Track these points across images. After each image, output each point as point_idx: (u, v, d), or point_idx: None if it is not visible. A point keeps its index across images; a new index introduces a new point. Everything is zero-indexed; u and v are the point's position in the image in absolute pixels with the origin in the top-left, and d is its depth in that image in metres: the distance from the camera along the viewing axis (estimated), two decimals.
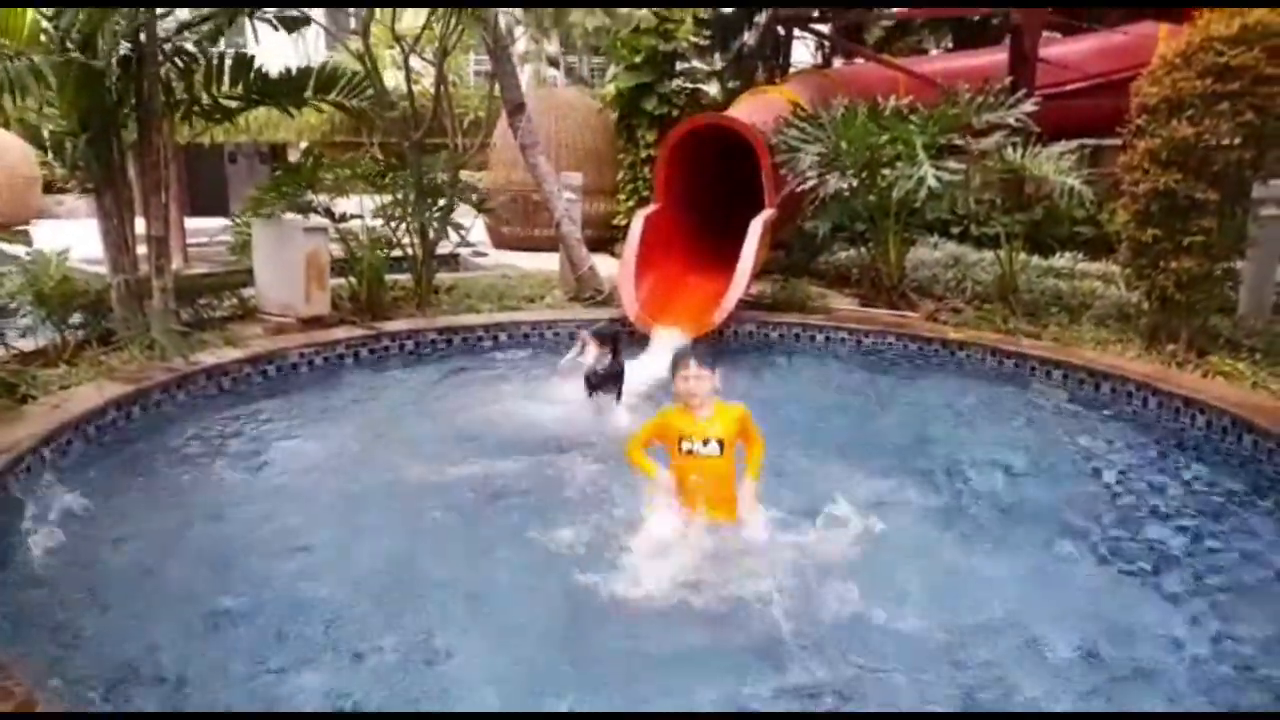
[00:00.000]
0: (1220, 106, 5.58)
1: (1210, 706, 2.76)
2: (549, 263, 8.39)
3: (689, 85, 10.43)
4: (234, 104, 6.53)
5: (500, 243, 10.98)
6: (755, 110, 7.81)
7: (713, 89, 11.01)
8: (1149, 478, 4.59)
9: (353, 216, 7.23)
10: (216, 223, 9.02)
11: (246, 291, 6.89)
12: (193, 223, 9.42)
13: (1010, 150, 6.88)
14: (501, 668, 2.86)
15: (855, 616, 3.10)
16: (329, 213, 6.97)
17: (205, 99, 6.40)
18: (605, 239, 9.92)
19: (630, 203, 10.06)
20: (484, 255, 10.27)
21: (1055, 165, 6.72)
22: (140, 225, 5.98)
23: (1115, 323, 6.66)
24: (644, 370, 6.19)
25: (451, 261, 8.53)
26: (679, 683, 2.77)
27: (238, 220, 7.67)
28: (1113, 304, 7.01)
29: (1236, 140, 5.62)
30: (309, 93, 6.69)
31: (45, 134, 6.08)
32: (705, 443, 3.51)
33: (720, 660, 2.90)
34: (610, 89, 10.72)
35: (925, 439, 5.14)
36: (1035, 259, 8.31)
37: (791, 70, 10.89)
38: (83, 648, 2.94)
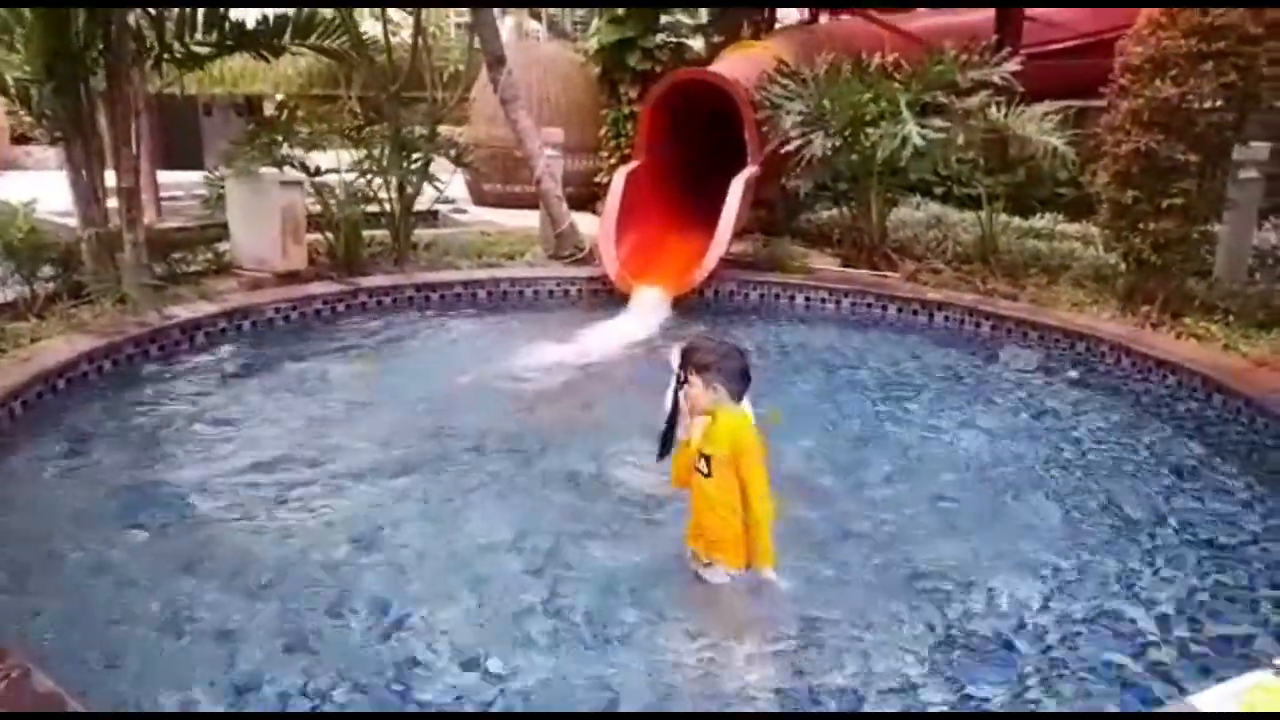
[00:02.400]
0: (1204, 66, 5.55)
1: (1174, 658, 2.81)
2: (529, 220, 8.31)
3: (673, 40, 10.25)
4: (206, 50, 6.37)
5: (481, 199, 10.84)
6: (739, 66, 7.70)
7: (697, 44, 10.83)
8: (1117, 437, 4.64)
9: (329, 171, 7.12)
10: (191, 176, 8.85)
11: (221, 246, 6.79)
12: (167, 176, 9.23)
13: (994, 110, 6.84)
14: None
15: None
16: (304, 167, 6.86)
17: (177, 46, 6.24)
18: (587, 196, 9.81)
19: (613, 160, 9.94)
20: (464, 212, 10.14)
21: (1038, 125, 6.69)
22: (111, 177, 5.87)
23: (1092, 284, 6.69)
24: (623, 332, 6.20)
25: (430, 218, 8.43)
26: None
27: (212, 174, 7.54)
28: (1090, 265, 7.04)
29: (1219, 101, 5.62)
30: (285, 38, 6.52)
31: (10, 81, 5.92)
32: (700, 458, 2.85)
33: None
34: (593, 43, 10.52)
35: (897, 399, 5.17)
36: (1016, 220, 8.32)
37: (777, 26, 10.74)
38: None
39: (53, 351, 4.71)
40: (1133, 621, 3.01)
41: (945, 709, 2.56)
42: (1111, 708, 2.60)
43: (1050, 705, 2.58)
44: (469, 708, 2.48)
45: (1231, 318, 5.81)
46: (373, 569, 3.17)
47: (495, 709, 2.47)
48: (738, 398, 2.85)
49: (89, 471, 3.88)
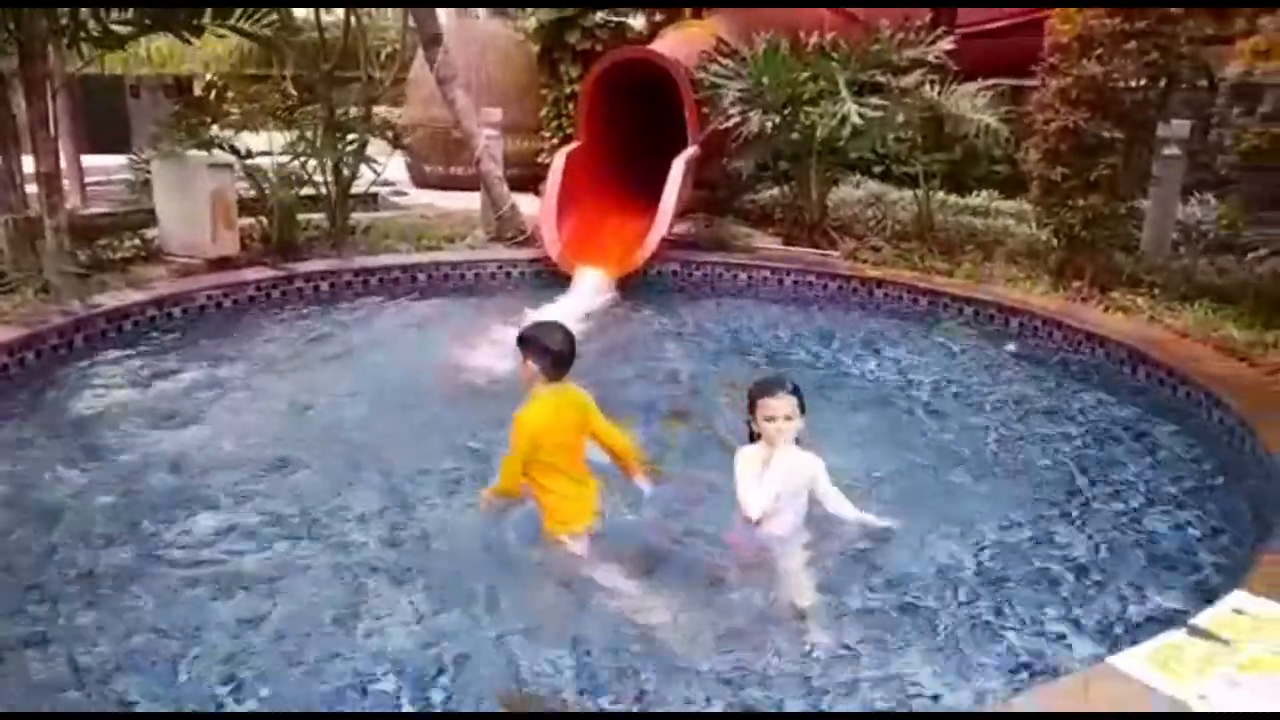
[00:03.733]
0: (1128, 45, 5.69)
1: (1095, 622, 2.91)
2: (471, 202, 8.20)
3: (613, 19, 10.16)
4: (125, 30, 6.12)
5: (421, 182, 10.65)
6: (679, 45, 7.67)
7: (638, 22, 10.74)
8: (1046, 405, 4.79)
9: (261, 154, 6.93)
10: (118, 160, 8.53)
11: (149, 232, 6.57)
12: (92, 160, 8.88)
13: (929, 88, 6.92)
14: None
15: None
16: (234, 149, 6.66)
17: (93, 24, 5.98)
18: (529, 178, 9.69)
19: (554, 140, 9.83)
20: (404, 195, 9.96)
21: (971, 103, 6.80)
22: (30, 162, 5.62)
23: (1026, 260, 6.84)
24: (565, 314, 6.15)
25: (370, 201, 8.25)
26: None
27: (137, 157, 7.28)
28: (1024, 241, 7.20)
29: (1142, 80, 5.76)
30: (206, 19, 6.29)
31: None
32: None
33: None
34: (532, 21, 10.37)
35: (837, 374, 5.25)
36: (953, 198, 8.46)
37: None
38: None
39: None
40: (1051, 582, 3.12)
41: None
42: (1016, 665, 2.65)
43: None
44: None
45: (1157, 291, 6.00)
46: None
47: None
48: (551, 377, 3.08)
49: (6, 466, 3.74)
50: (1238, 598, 2.50)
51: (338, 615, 2.82)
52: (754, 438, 3.07)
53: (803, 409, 3.00)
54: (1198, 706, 2.06)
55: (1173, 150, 6.48)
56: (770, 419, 2.96)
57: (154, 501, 3.49)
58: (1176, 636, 2.32)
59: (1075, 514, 3.63)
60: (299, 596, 2.92)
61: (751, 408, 3.02)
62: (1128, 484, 3.90)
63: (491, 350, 5.14)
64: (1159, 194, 6.57)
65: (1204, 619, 2.39)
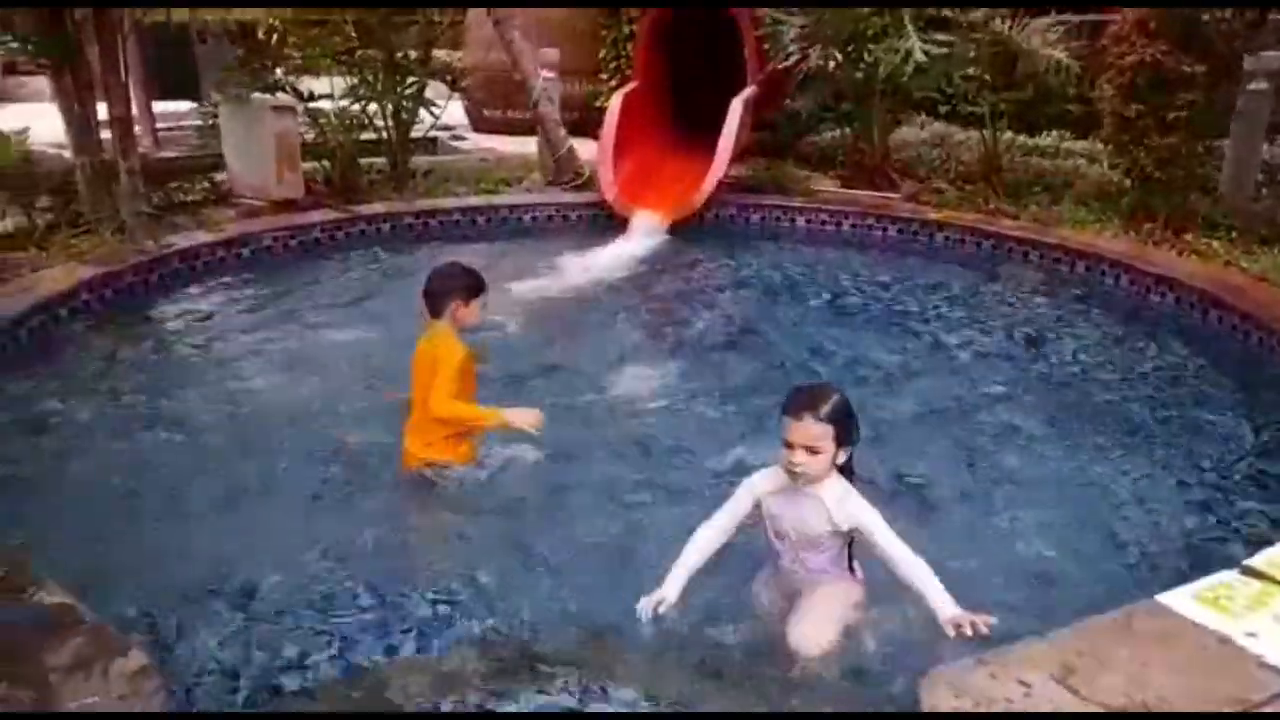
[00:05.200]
0: None
1: (1152, 560, 2.87)
2: (529, 146, 8.22)
3: None
4: None
5: (480, 126, 10.69)
6: None
7: None
8: (1113, 354, 4.67)
9: (323, 96, 7.04)
10: (188, 107, 8.76)
11: (218, 176, 6.77)
12: (163, 107, 9.13)
13: (998, 22, 6.65)
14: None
15: None
16: (296, 91, 6.77)
17: None
18: (588, 121, 9.65)
19: (613, 82, 9.76)
20: (463, 139, 10.02)
21: (1043, 37, 6.52)
22: (104, 108, 5.82)
23: (1096, 202, 6.60)
24: (621, 257, 6.19)
25: (429, 145, 8.33)
26: None
27: (205, 101, 7.46)
28: (1094, 183, 6.94)
29: (1229, 10, 5.45)
30: None
31: None
32: None
33: None
34: None
35: (896, 321, 5.18)
36: (1022, 138, 8.17)
37: None
38: None
39: (53, 280, 4.75)
40: (1117, 526, 3.08)
41: None
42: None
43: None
44: None
45: (1234, 234, 5.75)
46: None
47: None
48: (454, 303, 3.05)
49: (94, 398, 3.95)
50: None
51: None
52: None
53: (842, 438, 2.26)
54: (1244, 643, 2.03)
55: (1260, 85, 6.12)
56: (788, 444, 2.24)
57: (227, 431, 3.67)
58: (1228, 576, 2.28)
59: (1137, 458, 3.56)
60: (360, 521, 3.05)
61: (780, 420, 2.29)
62: (1200, 432, 3.80)
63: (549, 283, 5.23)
64: (1241, 131, 6.24)
65: (1258, 560, 2.34)
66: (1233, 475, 3.45)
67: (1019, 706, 1.86)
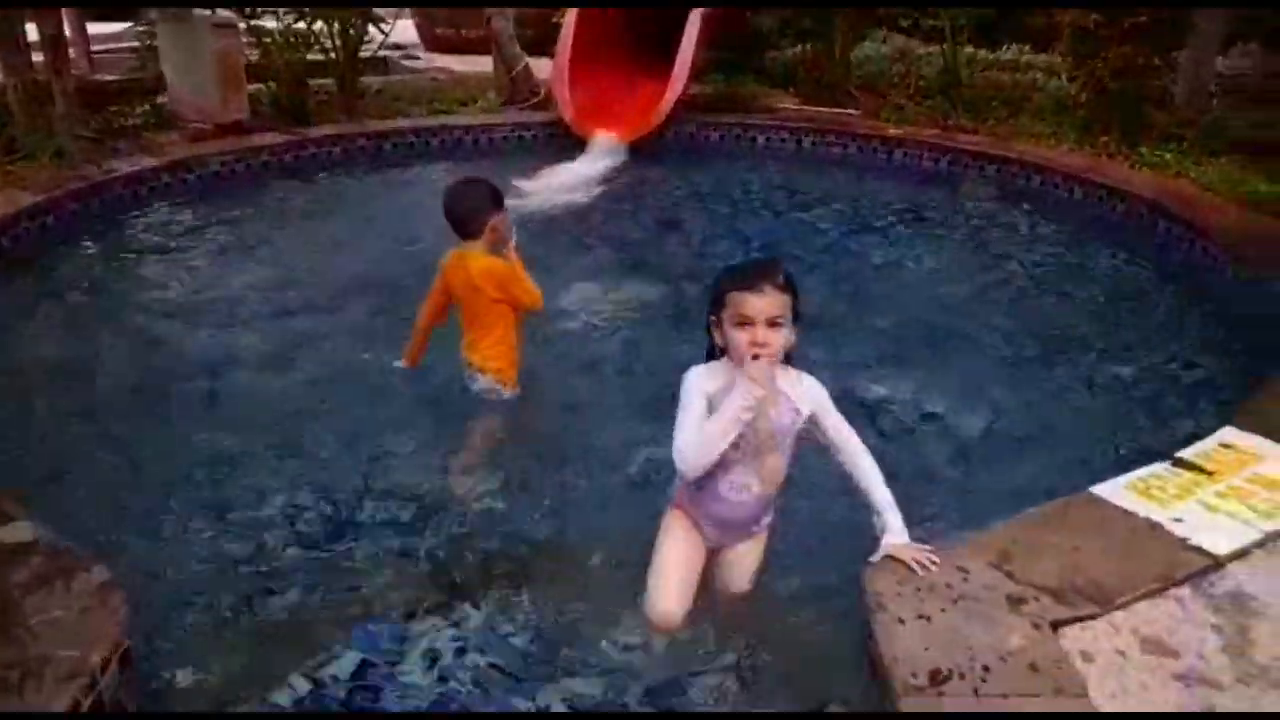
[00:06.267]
0: None
1: (1094, 464, 2.98)
2: (484, 66, 8.00)
3: None
4: None
5: (432, 45, 10.36)
6: None
7: None
8: (1063, 262, 4.76)
9: (266, 13, 6.76)
10: (123, 26, 8.36)
11: (159, 99, 6.52)
12: (97, 27, 8.72)
13: None
14: None
15: None
16: (237, 5, 6.48)
17: None
18: (545, 39, 9.39)
19: None
20: (415, 58, 9.71)
21: None
22: (34, 28, 5.55)
23: (1053, 116, 6.62)
24: (579, 176, 6.10)
25: (379, 64, 8.07)
26: None
27: (141, 21, 7.13)
28: (1052, 96, 6.95)
29: None
30: None
31: None
32: None
33: None
34: None
35: (853, 237, 5.21)
36: (983, 53, 8.12)
37: None
38: None
39: None
40: (1059, 423, 3.20)
41: None
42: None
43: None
44: None
45: (1186, 146, 5.81)
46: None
47: None
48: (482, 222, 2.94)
49: (36, 327, 3.88)
50: (1227, 433, 2.55)
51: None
52: (714, 353, 2.10)
53: (797, 314, 2.02)
54: (1172, 528, 2.15)
55: None
56: (744, 323, 1.95)
57: (171, 356, 3.63)
58: (1159, 468, 2.39)
59: (1079, 361, 3.67)
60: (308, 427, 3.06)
61: (717, 304, 2.02)
62: (1142, 338, 3.91)
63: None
64: (1197, 42, 6.25)
65: (1189, 452, 2.45)
66: (1169, 374, 3.58)
67: (958, 591, 1.96)
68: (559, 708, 2.00)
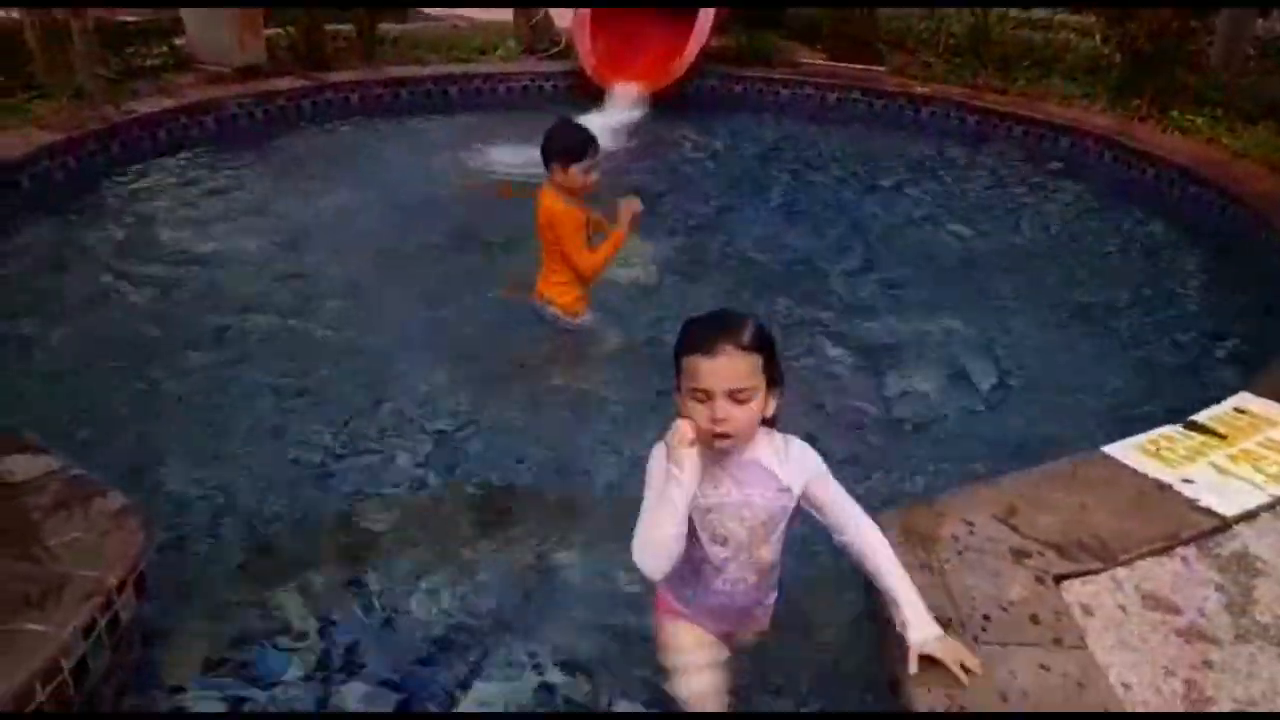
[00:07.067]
0: None
1: (1108, 424, 2.96)
2: (504, 13, 7.88)
3: None
4: None
5: None
6: None
7: None
8: (1091, 226, 4.70)
9: None
10: None
11: (177, 41, 6.48)
12: None
13: None
14: None
15: None
16: None
17: None
18: None
19: None
20: (434, 5, 9.59)
21: None
22: None
23: (1085, 77, 6.47)
24: (598, 129, 6.02)
25: (398, 11, 7.98)
26: None
27: None
28: (1085, 56, 6.78)
29: None
30: None
31: None
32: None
33: None
34: None
35: (878, 195, 5.15)
36: (1014, 10, 7.92)
37: None
38: None
39: (10, 147, 4.60)
40: (1081, 384, 3.18)
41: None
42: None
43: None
44: None
45: (1220, 111, 5.67)
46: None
47: None
48: (552, 166, 2.94)
49: (54, 265, 3.91)
50: (1242, 398, 2.53)
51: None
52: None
53: (773, 374, 1.61)
54: (1180, 489, 2.14)
55: None
56: (698, 395, 1.58)
57: (187, 296, 3.66)
58: (1171, 430, 2.38)
59: (1104, 325, 3.64)
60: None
61: (676, 369, 1.62)
62: (1168, 302, 3.88)
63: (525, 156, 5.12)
64: (1235, 5, 6.07)
65: (1202, 415, 2.44)
66: (1194, 339, 3.55)
67: (963, 543, 1.96)
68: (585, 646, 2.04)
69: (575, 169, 2.91)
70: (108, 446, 2.68)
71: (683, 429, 1.57)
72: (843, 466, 2.41)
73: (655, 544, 1.58)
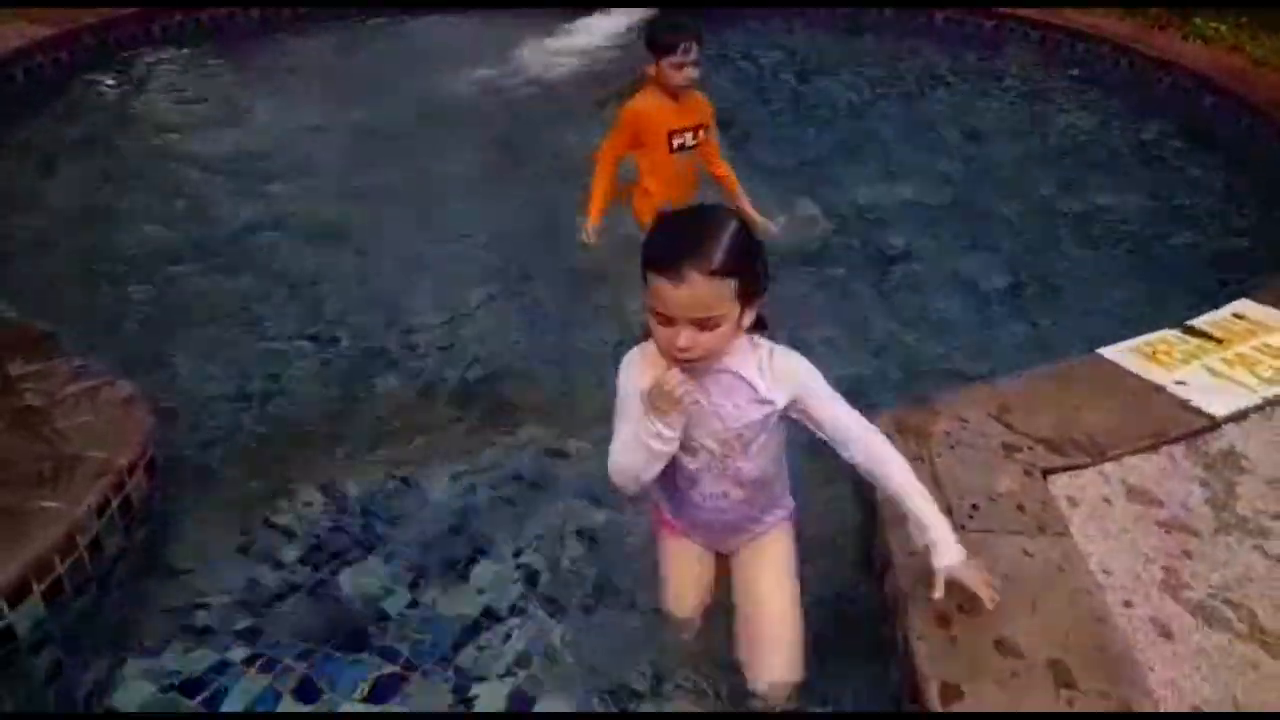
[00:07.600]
0: None
1: (1111, 327, 2.96)
2: None
3: None
4: None
5: None
6: None
7: None
8: (1106, 135, 4.62)
9: None
10: None
11: None
12: None
13: None
14: None
15: None
16: None
17: None
18: None
19: None
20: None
21: None
22: None
23: None
24: (603, 30, 5.88)
25: None
26: None
27: None
28: None
29: None
30: None
31: None
32: (695, 133, 2.93)
33: None
34: None
35: (890, 103, 5.05)
36: None
37: None
38: None
39: (4, 40, 4.51)
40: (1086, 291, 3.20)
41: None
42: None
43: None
44: None
45: (1244, 17, 5.49)
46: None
47: None
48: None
49: (52, 162, 3.88)
50: (1242, 304, 2.53)
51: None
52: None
53: (750, 289, 1.45)
54: (1174, 390, 2.16)
55: None
56: (661, 318, 1.43)
57: (190, 196, 3.64)
58: (1169, 333, 2.39)
59: (1110, 235, 3.63)
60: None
61: (643, 277, 1.44)
62: (1179, 210, 3.84)
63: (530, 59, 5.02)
64: None
65: (1201, 320, 2.44)
66: (1206, 246, 3.54)
67: (955, 439, 2.00)
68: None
69: (666, 63, 2.77)
70: (112, 339, 2.72)
71: (671, 383, 1.42)
72: (844, 373, 2.48)
73: (628, 472, 1.53)
